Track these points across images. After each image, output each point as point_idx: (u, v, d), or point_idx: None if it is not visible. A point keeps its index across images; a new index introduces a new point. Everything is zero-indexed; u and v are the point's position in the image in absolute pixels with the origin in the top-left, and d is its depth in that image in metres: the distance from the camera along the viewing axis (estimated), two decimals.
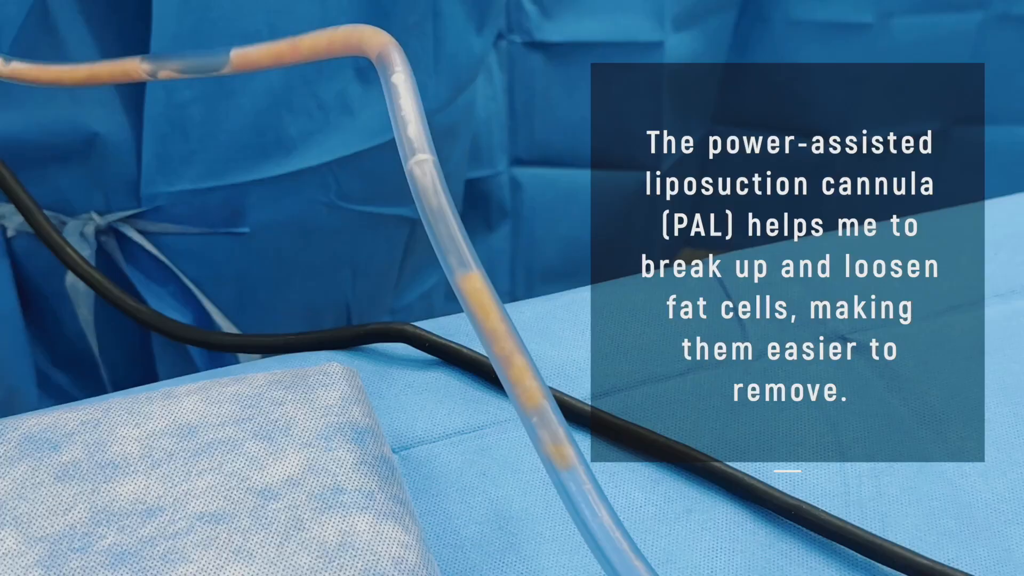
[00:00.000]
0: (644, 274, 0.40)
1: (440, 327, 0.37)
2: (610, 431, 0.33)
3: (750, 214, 1.12)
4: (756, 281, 0.39)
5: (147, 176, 0.52)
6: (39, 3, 0.46)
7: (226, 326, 0.58)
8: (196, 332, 0.38)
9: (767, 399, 0.35)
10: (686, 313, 0.38)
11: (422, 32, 0.57)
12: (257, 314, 0.60)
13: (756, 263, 0.40)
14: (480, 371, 0.35)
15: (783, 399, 0.35)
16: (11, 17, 0.45)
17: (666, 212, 1.00)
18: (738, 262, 0.40)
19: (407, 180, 0.25)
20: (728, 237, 1.16)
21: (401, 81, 0.26)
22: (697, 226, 1.16)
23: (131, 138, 0.51)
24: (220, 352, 0.51)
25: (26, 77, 0.31)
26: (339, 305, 0.65)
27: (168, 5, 0.47)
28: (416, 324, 0.36)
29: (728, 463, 0.32)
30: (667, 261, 1.18)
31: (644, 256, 0.98)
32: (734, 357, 0.37)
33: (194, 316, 0.57)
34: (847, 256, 0.41)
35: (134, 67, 0.29)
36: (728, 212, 1.14)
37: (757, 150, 1.06)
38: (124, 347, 0.59)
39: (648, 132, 0.86)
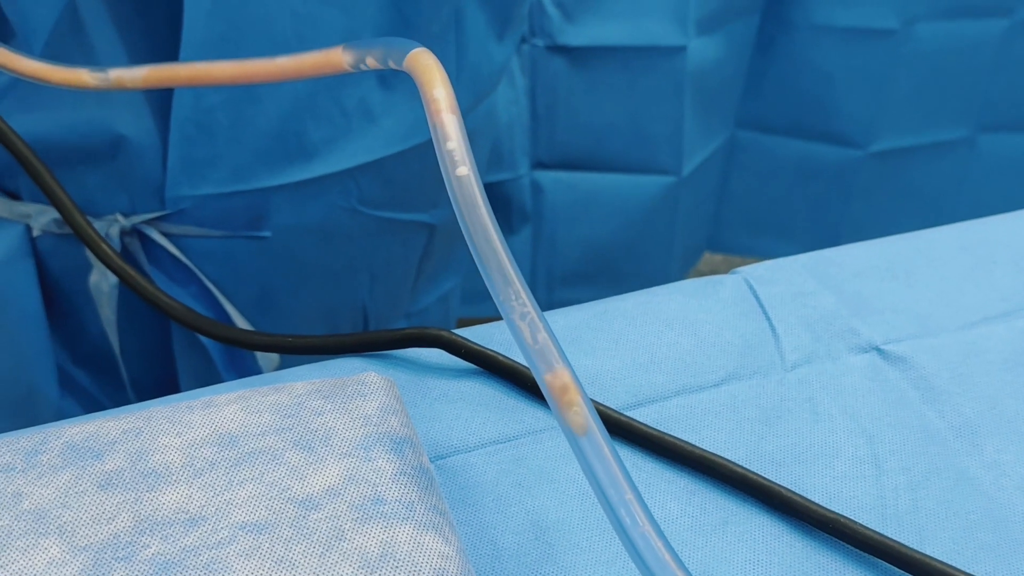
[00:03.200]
0: (678, 283, 0.40)
1: (476, 334, 0.37)
2: (645, 442, 0.34)
3: (773, 219, 1.13)
4: (790, 291, 0.40)
5: (172, 179, 0.52)
6: (69, 7, 0.46)
7: (245, 327, 0.58)
8: (227, 329, 0.38)
9: (802, 410, 0.35)
10: (720, 323, 0.38)
11: (444, 41, 0.58)
12: (275, 316, 0.61)
13: (790, 272, 0.41)
14: (516, 379, 0.35)
15: (818, 410, 0.35)
16: (42, 21, 0.45)
17: (688, 215, 1.00)
18: (771, 271, 0.41)
19: (448, 191, 0.26)
20: (751, 242, 1.16)
21: (443, 97, 0.26)
22: (718, 230, 1.17)
23: (157, 141, 0.52)
24: (254, 351, 0.51)
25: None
26: (356, 308, 0.65)
27: (199, 10, 0.47)
28: (453, 331, 0.37)
29: (764, 475, 0.33)
30: (694, 266, 1.18)
31: (666, 259, 0.98)
32: (769, 368, 0.37)
33: (214, 317, 0.58)
34: (880, 265, 0.41)
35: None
36: (751, 217, 1.15)
37: (781, 155, 1.07)
38: (145, 347, 0.60)
39: (671, 136, 0.87)
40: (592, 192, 0.90)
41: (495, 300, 0.26)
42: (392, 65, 0.28)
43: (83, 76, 0.34)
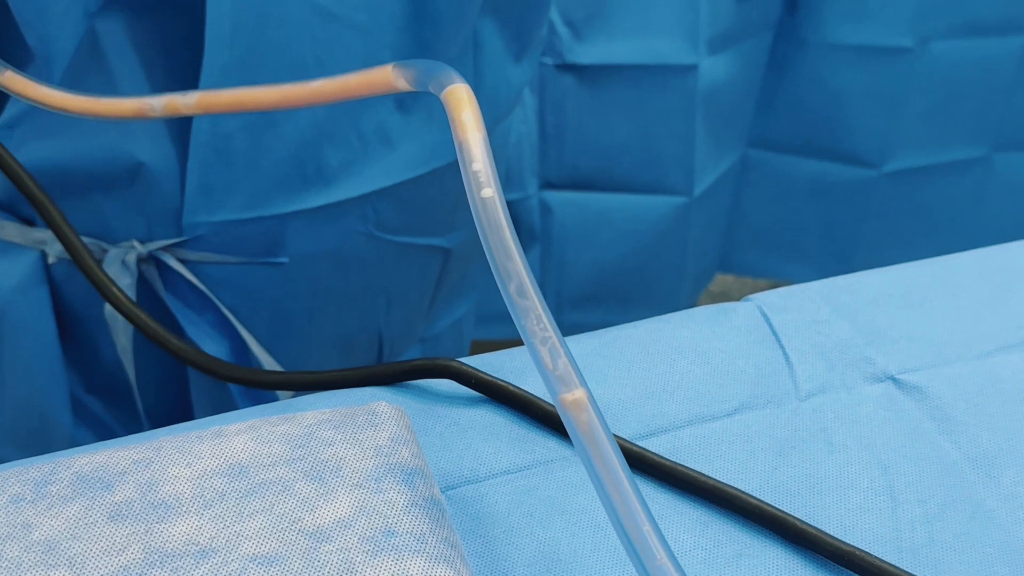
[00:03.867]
0: (690, 310, 0.40)
1: (487, 363, 0.37)
2: (657, 472, 0.33)
3: (786, 240, 1.12)
4: (804, 319, 0.39)
5: (190, 205, 0.52)
6: (89, 33, 0.47)
7: (262, 355, 0.58)
8: (239, 370, 0.38)
9: (817, 441, 0.35)
10: (733, 351, 0.38)
11: (462, 64, 0.58)
12: (291, 342, 0.61)
13: (803, 300, 0.40)
14: (527, 409, 0.35)
15: (833, 441, 0.35)
16: (62, 47, 0.46)
17: (699, 236, 1.00)
18: (785, 299, 0.40)
19: (472, 212, 0.26)
20: (763, 262, 1.15)
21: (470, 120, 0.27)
22: (730, 251, 1.16)
23: (175, 167, 0.52)
24: (264, 390, 0.51)
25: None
26: (371, 333, 0.65)
27: (219, 35, 0.47)
28: (462, 360, 0.36)
29: (778, 506, 0.32)
30: (705, 288, 1.17)
31: (677, 281, 0.97)
32: (782, 397, 0.36)
33: (231, 344, 0.58)
34: (896, 293, 0.41)
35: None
36: (763, 238, 1.14)
37: (794, 175, 1.06)
38: (160, 377, 0.60)
39: (682, 155, 0.86)
40: (602, 213, 0.89)
41: (516, 324, 0.26)
42: (431, 89, 0.28)
43: (134, 106, 0.34)
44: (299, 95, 0.32)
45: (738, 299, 0.41)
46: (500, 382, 0.35)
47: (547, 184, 0.88)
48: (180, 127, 0.51)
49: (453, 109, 0.27)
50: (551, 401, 0.32)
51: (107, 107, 0.35)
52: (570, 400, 0.25)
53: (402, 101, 0.56)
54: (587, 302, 0.95)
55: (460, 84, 0.28)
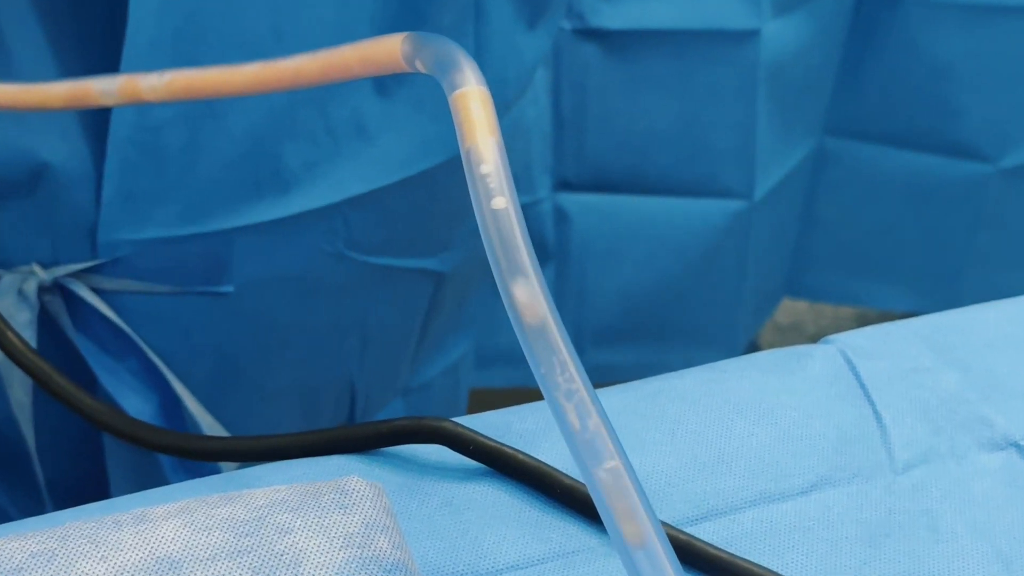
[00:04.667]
0: (752, 356, 0.40)
1: (488, 424, 0.37)
2: (710, 567, 0.33)
3: (875, 255, 1.10)
4: (900, 366, 0.39)
5: (107, 219, 0.53)
6: None
7: (200, 414, 0.59)
8: (170, 436, 0.39)
9: (918, 526, 0.35)
10: (808, 409, 0.38)
11: (460, 33, 0.58)
12: (238, 397, 0.61)
13: (899, 341, 0.40)
14: (542, 484, 0.35)
15: (939, 527, 0.35)
16: None
17: (762, 251, 0.99)
18: (875, 341, 0.40)
19: (480, 228, 0.26)
20: (845, 285, 1.14)
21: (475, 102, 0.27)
22: (802, 269, 1.15)
23: (89, 170, 0.52)
24: (200, 460, 0.51)
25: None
26: (342, 383, 0.65)
27: (147, 3, 0.48)
28: (457, 420, 0.36)
29: None
30: (769, 318, 1.16)
31: (732, 310, 0.97)
32: (873, 470, 0.36)
33: (159, 400, 0.58)
34: (1019, 334, 0.41)
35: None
36: (845, 253, 1.13)
37: (885, 171, 1.05)
38: (67, 442, 0.60)
39: (739, 148, 0.86)
40: (634, 222, 0.90)
41: (535, 372, 0.26)
42: (442, 84, 0.28)
43: (72, 92, 0.34)
44: (305, 72, 0.32)
45: (813, 333, 0.41)
46: (507, 449, 0.35)
47: (563, 184, 0.89)
48: (95, 118, 0.51)
49: (457, 100, 0.27)
50: (576, 474, 0.32)
51: (34, 96, 0.35)
52: (603, 473, 0.25)
53: (382, 82, 0.57)
54: (615, 338, 0.95)
55: (476, 88, 0.28)
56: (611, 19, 0.82)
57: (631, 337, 0.94)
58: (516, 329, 0.26)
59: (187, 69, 0.35)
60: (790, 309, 1.16)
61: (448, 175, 0.61)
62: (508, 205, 0.26)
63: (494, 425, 0.37)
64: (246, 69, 0.34)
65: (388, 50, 0.30)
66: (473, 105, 0.28)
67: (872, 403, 0.38)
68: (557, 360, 0.25)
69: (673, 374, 0.39)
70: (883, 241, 1.00)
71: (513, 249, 0.26)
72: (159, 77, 0.35)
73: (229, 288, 0.57)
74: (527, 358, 0.26)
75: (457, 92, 0.28)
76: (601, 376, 0.92)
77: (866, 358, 0.39)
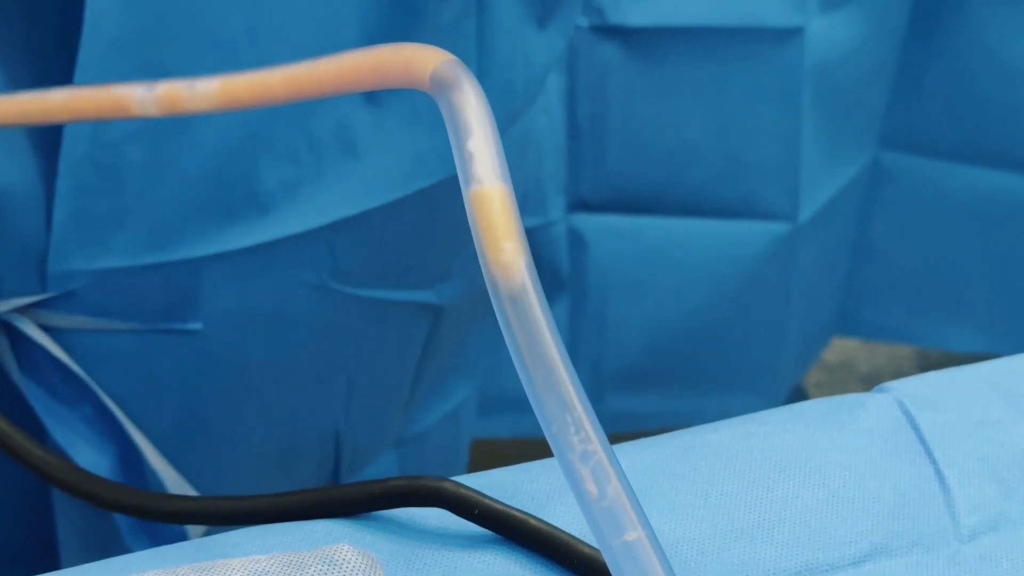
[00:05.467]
0: (796, 406, 0.40)
1: (495, 484, 0.37)
2: None
3: (939, 286, 1.10)
4: (966, 419, 0.40)
5: (58, 246, 0.53)
6: None
7: (164, 469, 0.58)
8: (129, 493, 0.39)
9: None
10: (861, 468, 0.38)
11: (460, 34, 0.59)
12: (209, 449, 0.61)
13: (965, 389, 0.41)
14: (555, 553, 0.35)
15: None
16: None
17: (808, 281, 0.99)
18: (937, 388, 0.41)
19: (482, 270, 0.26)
20: (904, 326, 1.13)
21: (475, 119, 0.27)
22: (855, 304, 1.14)
23: (39, 191, 0.52)
24: (163, 522, 0.51)
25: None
26: (325, 434, 0.65)
27: (105, 1, 0.48)
28: (459, 480, 0.36)
29: None
30: (816, 358, 1.15)
31: (775, 348, 0.97)
32: (935, 537, 0.36)
33: (117, 453, 0.58)
34: None
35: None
36: (904, 285, 1.12)
37: (950, 191, 1.05)
38: (12, 500, 0.60)
39: (782, 162, 0.86)
40: (661, 247, 0.90)
41: (545, 430, 0.26)
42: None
43: (103, 101, 0.35)
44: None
45: (866, 373, 0.41)
46: (517, 513, 0.36)
47: (579, 204, 0.89)
48: (45, 132, 0.52)
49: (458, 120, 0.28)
50: (594, 543, 0.32)
51: (57, 105, 0.36)
52: (623, 544, 0.25)
53: (371, 92, 0.57)
54: (638, 382, 0.94)
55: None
56: (634, 15, 0.82)
57: (657, 381, 0.94)
58: (524, 382, 0.26)
59: (240, 73, 0.35)
60: (840, 345, 1.16)
61: (447, 195, 0.61)
62: (517, 245, 0.27)
63: (502, 485, 0.37)
64: (314, 67, 0.34)
65: (404, 64, 0.31)
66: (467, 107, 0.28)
67: (934, 461, 0.38)
68: (571, 418, 0.26)
69: (706, 427, 0.39)
70: (948, 272, 1.00)
71: (521, 295, 0.26)
72: (206, 83, 0.35)
73: (197, 325, 0.57)
74: (536, 414, 0.26)
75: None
76: (623, 426, 0.92)
77: (927, 409, 0.40)
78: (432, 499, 0.36)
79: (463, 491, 0.36)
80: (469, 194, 0.27)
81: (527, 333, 0.26)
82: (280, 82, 0.34)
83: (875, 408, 0.40)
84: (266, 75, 0.34)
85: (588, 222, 0.89)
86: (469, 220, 0.27)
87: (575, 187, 0.88)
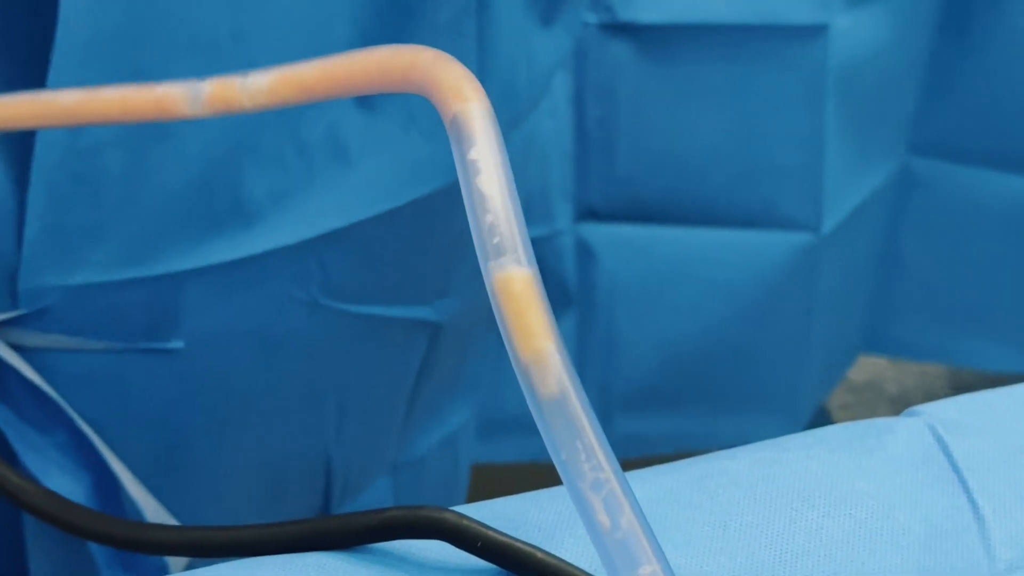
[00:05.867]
0: (820, 431, 0.40)
1: (497, 515, 0.37)
2: None
3: (972, 301, 1.10)
4: (1002, 446, 0.40)
5: (31, 261, 0.53)
6: None
7: (142, 498, 0.59)
8: (106, 522, 0.39)
9: None
10: (890, 497, 0.38)
11: (459, 34, 0.59)
12: (191, 476, 0.61)
13: (1001, 414, 0.41)
14: None
15: None
16: None
17: (833, 295, 0.99)
18: (970, 413, 0.41)
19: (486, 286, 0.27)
20: (935, 344, 1.13)
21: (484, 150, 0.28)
22: (882, 320, 1.14)
23: (9, 202, 0.52)
24: (144, 553, 0.52)
25: None
26: (315, 460, 0.66)
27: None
28: (459, 510, 0.37)
29: None
30: (841, 378, 1.14)
31: (797, 366, 0.97)
32: (969, 571, 0.36)
33: (92, 480, 0.58)
34: None
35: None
36: (935, 300, 1.12)
37: (983, 199, 1.06)
38: None
39: (804, 169, 0.86)
40: (675, 259, 0.90)
41: (554, 459, 0.26)
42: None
43: (149, 100, 0.35)
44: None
45: (894, 394, 0.41)
46: (523, 545, 0.36)
47: (588, 213, 0.89)
48: (16, 139, 0.52)
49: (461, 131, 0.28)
50: None
51: (107, 104, 0.36)
52: None
53: (365, 95, 0.57)
54: (650, 402, 0.94)
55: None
56: (646, 11, 0.82)
57: (670, 402, 0.94)
58: (531, 405, 0.26)
59: (295, 65, 0.35)
60: (867, 364, 1.16)
61: (445, 205, 0.61)
62: (525, 265, 0.27)
63: (506, 516, 0.37)
64: (368, 55, 0.34)
65: (395, 65, 0.31)
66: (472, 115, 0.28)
67: (967, 490, 0.38)
68: (582, 444, 0.26)
69: (724, 453, 0.40)
70: (981, 286, 1.00)
71: (528, 309, 0.27)
72: (260, 77, 0.35)
73: (178, 344, 0.57)
74: (544, 440, 0.26)
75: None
76: (633, 449, 0.92)
77: (960, 434, 0.40)
78: (432, 531, 0.36)
79: (465, 522, 0.36)
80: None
81: None
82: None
83: (905, 433, 0.40)
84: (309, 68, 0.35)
85: (597, 232, 0.89)
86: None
87: (583, 195, 0.88)
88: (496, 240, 0.28)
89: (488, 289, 0.28)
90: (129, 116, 0.37)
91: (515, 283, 0.28)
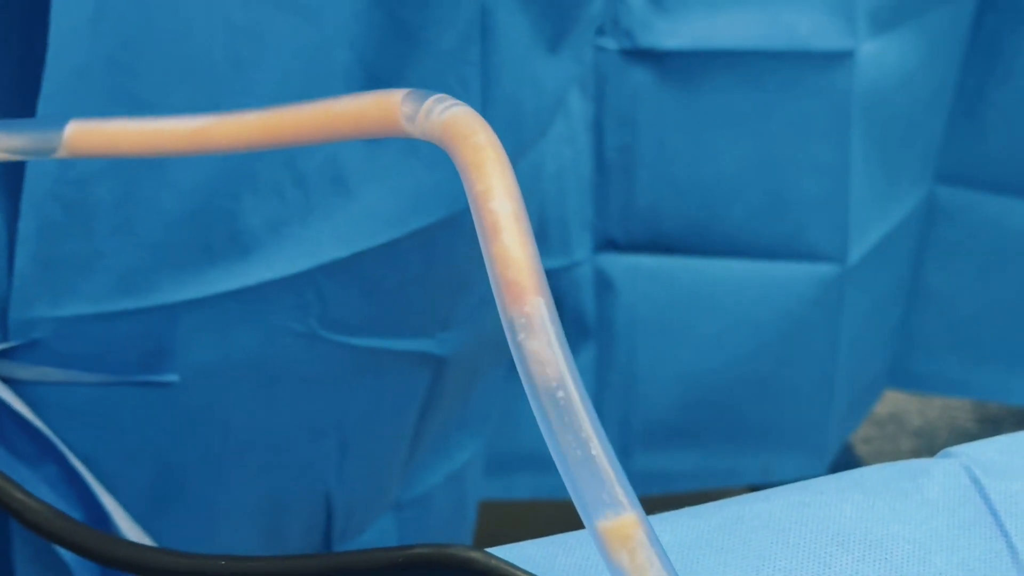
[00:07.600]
0: (855, 472, 0.40)
1: (524, 557, 0.37)
2: None
3: (1004, 335, 1.09)
4: None
5: (21, 292, 0.53)
6: None
7: (133, 533, 0.58)
8: (122, 548, 0.39)
9: None
10: (926, 541, 0.38)
11: (463, 61, 0.60)
12: (185, 513, 0.61)
13: None
14: None
15: None
16: None
17: (858, 328, 0.98)
18: (1008, 454, 0.41)
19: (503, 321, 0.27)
20: (963, 378, 1.13)
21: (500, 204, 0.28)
22: (908, 353, 1.14)
23: (1, 230, 0.53)
24: None
25: None
26: (315, 498, 0.66)
27: (74, 21, 0.49)
28: (490, 552, 0.36)
29: None
30: (868, 412, 1.13)
31: (822, 401, 0.96)
32: None
33: (84, 516, 0.58)
34: None
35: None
36: (963, 333, 1.12)
37: (1012, 230, 1.06)
38: None
39: (829, 198, 0.86)
40: (697, 291, 0.90)
41: (575, 500, 0.27)
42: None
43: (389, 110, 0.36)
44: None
45: (918, 427, 0.42)
46: None
47: (607, 244, 0.89)
48: (6, 168, 0.52)
49: (469, 166, 0.29)
50: None
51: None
52: None
53: None
54: (672, 438, 0.94)
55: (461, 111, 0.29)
56: (668, 37, 0.82)
57: (692, 437, 0.94)
58: (551, 446, 0.27)
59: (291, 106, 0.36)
60: (889, 396, 1.14)
61: (447, 235, 0.61)
62: (540, 300, 0.28)
63: (533, 559, 0.37)
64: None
65: (385, 111, 0.32)
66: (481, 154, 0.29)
67: (1006, 534, 0.38)
68: (605, 487, 0.27)
69: (756, 496, 0.40)
70: (1010, 318, 1.00)
71: (544, 348, 0.28)
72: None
73: (173, 377, 0.57)
74: (565, 483, 0.27)
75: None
76: (654, 487, 0.91)
77: (998, 477, 0.40)
78: (460, 570, 0.36)
79: (494, 562, 0.36)
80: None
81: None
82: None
83: (940, 476, 0.40)
84: None
85: (616, 263, 0.89)
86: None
87: (602, 225, 0.88)
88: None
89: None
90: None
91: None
